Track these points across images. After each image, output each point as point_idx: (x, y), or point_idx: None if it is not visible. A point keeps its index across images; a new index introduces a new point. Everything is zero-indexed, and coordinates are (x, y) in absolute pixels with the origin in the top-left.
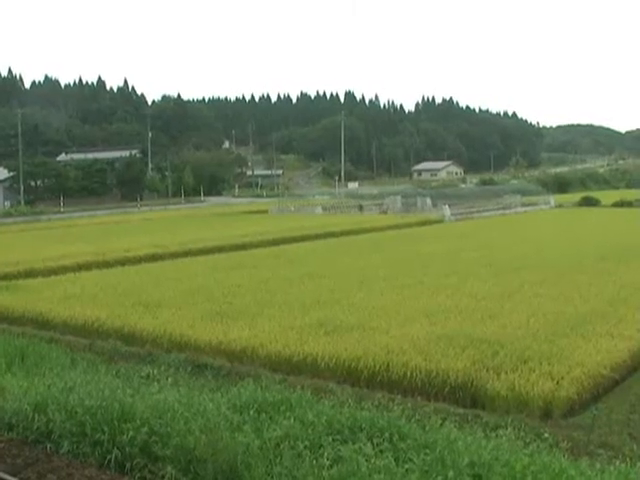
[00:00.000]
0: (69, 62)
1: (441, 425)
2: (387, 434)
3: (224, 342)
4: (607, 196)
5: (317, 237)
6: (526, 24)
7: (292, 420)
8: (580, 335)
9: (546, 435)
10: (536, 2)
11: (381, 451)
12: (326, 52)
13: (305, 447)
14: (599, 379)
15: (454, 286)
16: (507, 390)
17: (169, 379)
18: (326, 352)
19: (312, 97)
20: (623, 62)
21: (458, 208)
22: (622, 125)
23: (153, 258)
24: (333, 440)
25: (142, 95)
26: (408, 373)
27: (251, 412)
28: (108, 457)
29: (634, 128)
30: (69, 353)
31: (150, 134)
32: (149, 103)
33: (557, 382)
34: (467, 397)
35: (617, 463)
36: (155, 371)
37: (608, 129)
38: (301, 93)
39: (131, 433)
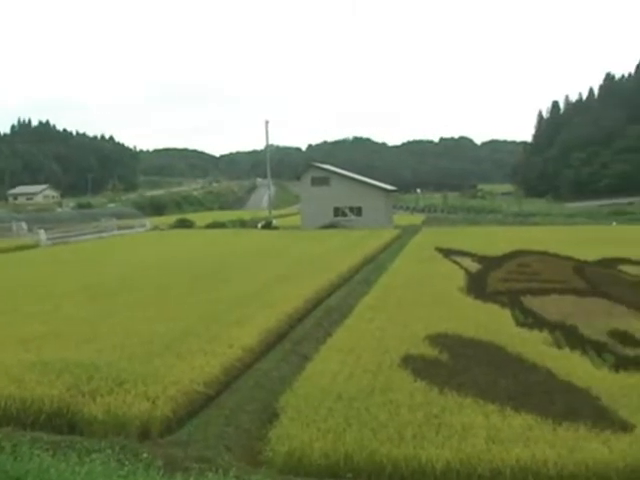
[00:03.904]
0: None
1: (34, 454)
2: None
3: None
4: (202, 217)
5: None
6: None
7: None
8: (175, 354)
9: (144, 455)
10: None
11: None
12: None
13: None
14: (194, 395)
15: (50, 311)
16: (104, 413)
17: None
18: None
19: None
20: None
21: (55, 232)
22: (217, 150)
23: None
24: None
25: None
26: (2, 403)
27: None
28: None
29: (228, 152)
30: None
31: None
32: None
33: (153, 402)
34: (64, 424)
35: (210, 475)
36: None
37: (203, 153)
38: None
39: None
